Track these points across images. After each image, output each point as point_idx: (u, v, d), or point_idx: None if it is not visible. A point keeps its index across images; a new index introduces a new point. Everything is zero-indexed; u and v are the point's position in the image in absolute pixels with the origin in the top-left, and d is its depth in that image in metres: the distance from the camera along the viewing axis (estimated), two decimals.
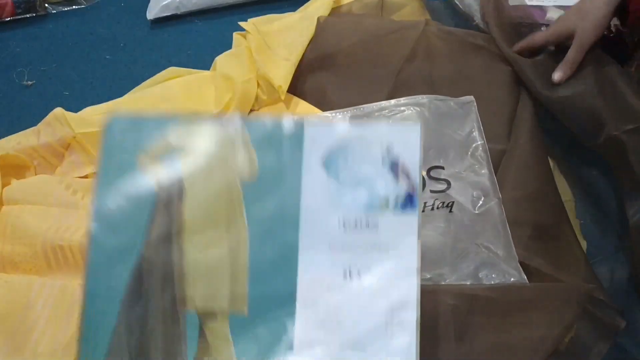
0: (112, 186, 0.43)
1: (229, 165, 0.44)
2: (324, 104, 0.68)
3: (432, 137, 0.61)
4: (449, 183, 0.58)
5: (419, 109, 0.62)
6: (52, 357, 0.55)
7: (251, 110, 0.71)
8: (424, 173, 0.59)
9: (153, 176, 0.44)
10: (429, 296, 0.50)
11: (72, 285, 0.58)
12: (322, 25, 0.72)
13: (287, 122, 0.44)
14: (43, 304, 0.57)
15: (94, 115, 0.71)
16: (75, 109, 0.72)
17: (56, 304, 0.57)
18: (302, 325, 0.42)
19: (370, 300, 0.42)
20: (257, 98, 0.71)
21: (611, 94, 0.59)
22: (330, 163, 0.44)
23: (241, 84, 0.69)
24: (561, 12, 0.72)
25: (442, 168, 0.60)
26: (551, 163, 0.63)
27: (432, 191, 0.58)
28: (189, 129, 0.44)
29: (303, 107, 0.70)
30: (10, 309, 0.57)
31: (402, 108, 0.63)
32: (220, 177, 0.44)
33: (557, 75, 0.61)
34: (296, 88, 0.71)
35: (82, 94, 0.82)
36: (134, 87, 0.76)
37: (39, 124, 0.70)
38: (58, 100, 0.81)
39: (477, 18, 0.74)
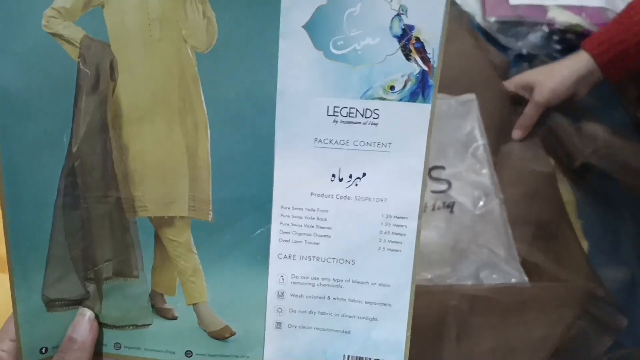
0: (13, 57, 0.31)
1: (177, 29, 0.31)
2: None
3: (433, 136, 0.55)
4: (449, 183, 0.57)
5: None
6: None
7: None
8: None
9: (69, 42, 0.31)
10: (430, 297, 0.49)
11: None
12: None
13: None
14: None
15: None
16: None
17: None
18: (278, 234, 0.35)
19: (364, 208, 0.34)
20: None
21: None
22: (317, 27, 0.31)
23: None
24: (562, 11, 0.77)
25: (443, 168, 0.59)
26: (552, 162, 0.63)
27: (432, 191, 0.57)
28: None
29: None
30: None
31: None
32: (166, 46, 0.32)
33: (514, 134, 0.64)
34: None
35: None
36: None
37: None
38: None
39: (478, 17, 0.75)
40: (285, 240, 0.35)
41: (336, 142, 0.33)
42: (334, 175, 0.33)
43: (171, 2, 0.31)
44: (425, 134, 0.32)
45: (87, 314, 0.35)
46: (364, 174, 0.33)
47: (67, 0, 0.31)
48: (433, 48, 0.31)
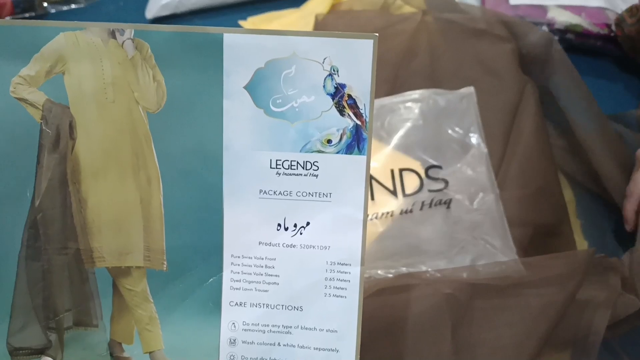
0: None
1: (130, 91, 0.34)
2: None
3: (431, 134, 0.59)
4: (446, 182, 0.57)
5: (418, 105, 0.60)
6: None
7: None
8: (422, 172, 0.57)
9: (33, 105, 0.34)
10: (425, 287, 0.48)
11: None
12: (320, 25, 0.70)
13: (201, 35, 0.33)
14: None
15: None
16: None
17: None
18: (229, 282, 0.36)
19: (309, 255, 0.35)
20: None
21: None
22: (257, 88, 0.34)
23: None
24: (562, 11, 0.75)
25: (440, 167, 0.58)
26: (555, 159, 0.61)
27: (430, 190, 0.57)
28: (72, 40, 0.34)
29: None
30: None
31: (400, 105, 0.62)
32: (120, 107, 0.35)
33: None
34: None
35: None
36: None
37: None
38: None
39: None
40: (236, 288, 0.36)
41: (280, 193, 0.35)
42: (279, 225, 0.35)
43: (124, 68, 0.34)
44: (362, 184, 0.34)
45: None
46: (308, 223, 0.35)
47: (32, 68, 0.34)
48: (364, 104, 0.33)
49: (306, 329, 0.36)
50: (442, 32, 0.65)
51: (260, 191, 0.35)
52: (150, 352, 0.37)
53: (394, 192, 0.56)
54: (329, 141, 0.34)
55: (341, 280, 0.35)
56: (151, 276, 0.37)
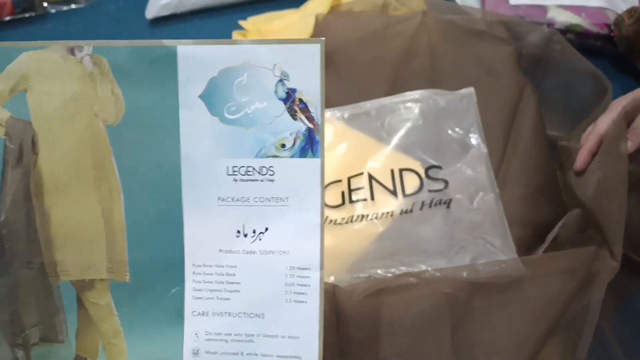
0: None
1: (89, 105, 0.35)
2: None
3: (431, 135, 0.59)
4: (446, 182, 0.57)
5: (418, 105, 0.60)
6: None
7: None
8: (422, 172, 0.56)
9: None
10: (425, 286, 0.47)
11: None
12: (320, 25, 0.69)
13: (156, 48, 0.35)
14: None
15: None
16: None
17: None
18: (192, 291, 0.36)
19: (268, 261, 0.35)
20: None
21: None
22: (211, 96, 0.35)
23: None
24: (562, 11, 0.75)
25: (440, 168, 0.58)
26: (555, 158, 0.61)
27: (429, 190, 0.57)
28: (35, 59, 0.35)
29: None
30: None
31: (400, 105, 0.62)
32: (80, 121, 0.36)
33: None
34: None
35: None
36: None
37: None
38: None
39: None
40: (198, 298, 0.36)
41: (238, 200, 0.35)
42: (239, 232, 0.35)
43: (83, 83, 0.35)
44: (318, 187, 0.34)
45: None
46: (267, 229, 0.35)
47: None
48: (315, 107, 0.34)
49: (268, 336, 0.35)
50: (442, 32, 0.66)
51: (219, 199, 0.35)
52: None
53: (394, 192, 0.56)
54: (283, 145, 0.34)
55: (301, 285, 0.35)
56: (115, 289, 0.37)
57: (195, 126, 0.35)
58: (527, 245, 0.53)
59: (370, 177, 0.55)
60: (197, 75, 0.34)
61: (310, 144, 0.34)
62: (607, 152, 0.51)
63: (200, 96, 0.35)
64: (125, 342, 0.37)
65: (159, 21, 0.84)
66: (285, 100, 0.34)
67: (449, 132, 0.60)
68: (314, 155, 0.34)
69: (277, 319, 0.35)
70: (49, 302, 0.37)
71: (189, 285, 0.36)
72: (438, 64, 0.64)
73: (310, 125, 0.34)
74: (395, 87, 0.63)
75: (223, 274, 0.36)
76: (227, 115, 0.34)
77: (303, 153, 0.34)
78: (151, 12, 0.84)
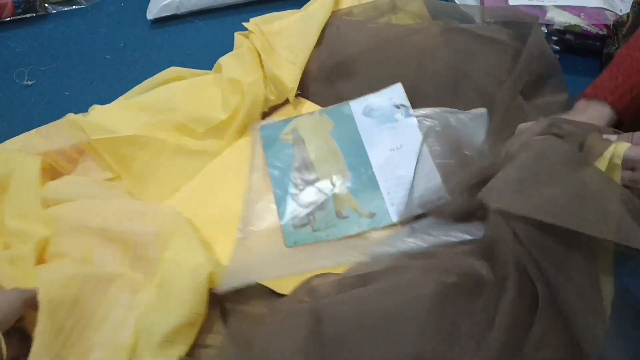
0: None
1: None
2: None
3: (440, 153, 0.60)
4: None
5: (429, 121, 0.65)
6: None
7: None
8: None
9: None
10: (424, 277, 0.48)
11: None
12: (338, 32, 0.72)
13: (343, 107, 0.68)
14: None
15: (105, 119, 0.68)
16: (75, 109, 0.71)
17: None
18: (382, 183, 0.64)
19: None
20: (265, 99, 0.70)
21: None
22: (367, 114, 0.70)
23: (248, 86, 0.68)
24: (561, 11, 0.75)
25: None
26: None
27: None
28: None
29: (308, 106, 0.73)
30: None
31: (413, 120, 0.66)
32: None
33: None
34: (311, 92, 0.73)
35: (82, 94, 0.81)
36: (133, 87, 0.76)
37: (47, 126, 0.68)
38: (58, 100, 0.81)
39: (477, 17, 0.74)
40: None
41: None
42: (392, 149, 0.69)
43: None
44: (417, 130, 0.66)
45: None
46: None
47: None
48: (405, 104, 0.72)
49: None
50: (448, 43, 0.69)
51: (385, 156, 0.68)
52: None
53: None
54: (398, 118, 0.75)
55: None
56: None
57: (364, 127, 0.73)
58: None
59: None
60: (359, 107, 0.72)
61: (407, 115, 0.79)
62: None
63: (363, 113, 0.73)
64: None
65: (160, 22, 0.88)
66: (396, 107, 0.76)
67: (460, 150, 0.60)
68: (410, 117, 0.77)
69: None
70: None
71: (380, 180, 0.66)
72: (448, 74, 0.68)
73: (407, 112, 0.76)
74: (410, 97, 0.67)
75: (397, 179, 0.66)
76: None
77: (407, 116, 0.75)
78: (152, 12, 0.85)
